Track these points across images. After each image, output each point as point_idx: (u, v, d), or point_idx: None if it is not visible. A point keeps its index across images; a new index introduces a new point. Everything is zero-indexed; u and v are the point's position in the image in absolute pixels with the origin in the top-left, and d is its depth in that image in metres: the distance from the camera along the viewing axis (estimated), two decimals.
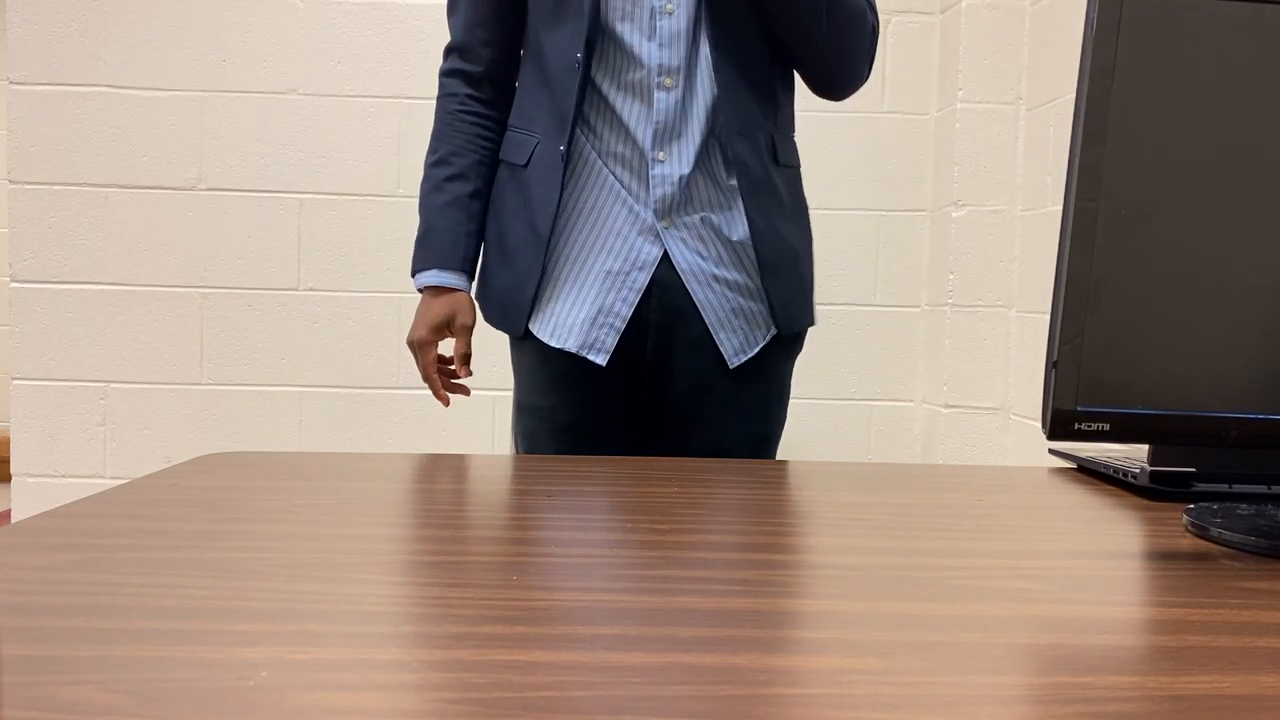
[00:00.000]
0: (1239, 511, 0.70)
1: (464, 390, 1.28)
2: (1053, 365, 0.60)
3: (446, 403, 1.24)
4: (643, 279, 1.14)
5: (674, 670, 0.40)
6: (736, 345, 1.16)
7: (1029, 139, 2.17)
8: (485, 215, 1.23)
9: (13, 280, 2.30)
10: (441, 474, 0.85)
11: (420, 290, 1.23)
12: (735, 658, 0.42)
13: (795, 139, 1.21)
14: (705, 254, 1.14)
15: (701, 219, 1.14)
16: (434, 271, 1.21)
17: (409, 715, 0.35)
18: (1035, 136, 2.14)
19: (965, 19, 2.20)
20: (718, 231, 1.14)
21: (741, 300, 1.16)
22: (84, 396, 2.32)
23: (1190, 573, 0.58)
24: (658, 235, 1.13)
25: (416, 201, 2.35)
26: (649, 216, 1.13)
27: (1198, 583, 0.56)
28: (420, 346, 1.22)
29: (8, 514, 2.92)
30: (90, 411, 2.33)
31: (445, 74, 1.24)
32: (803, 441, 2.41)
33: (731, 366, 1.16)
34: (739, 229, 1.15)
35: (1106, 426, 0.61)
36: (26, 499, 2.32)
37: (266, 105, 2.31)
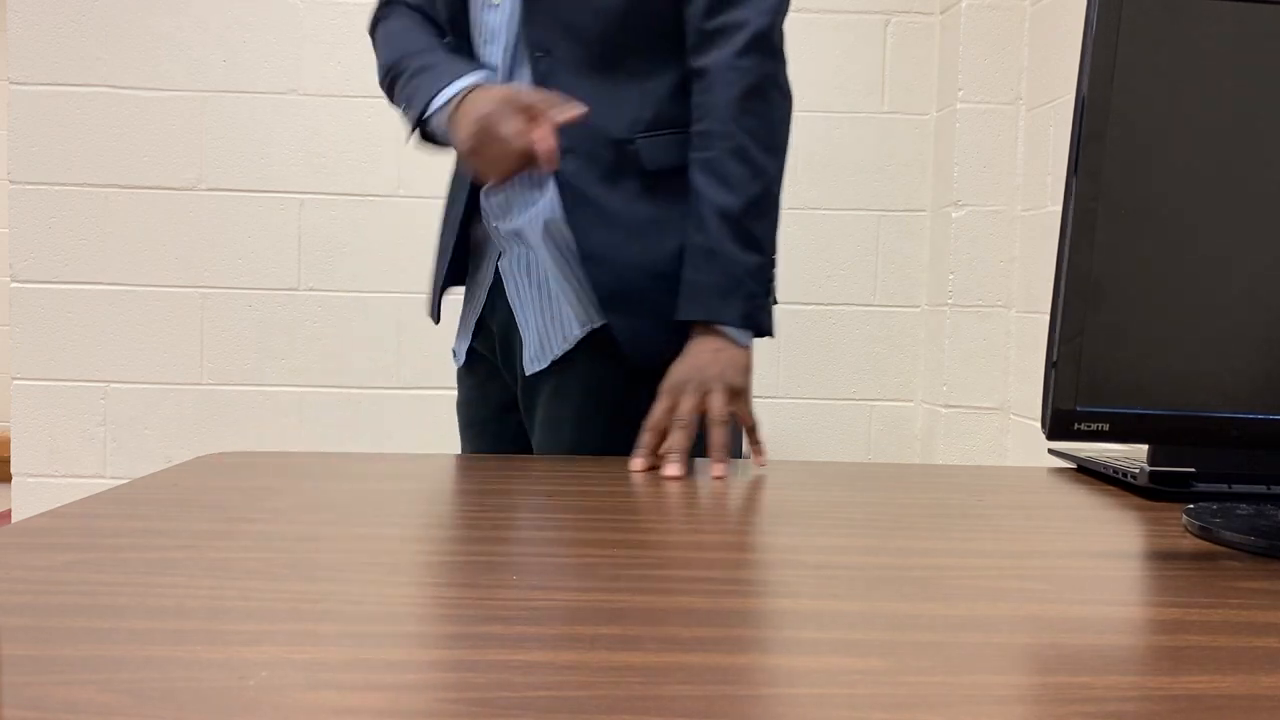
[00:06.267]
0: (1239, 511, 0.70)
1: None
2: (1053, 365, 0.60)
3: (554, 163, 0.94)
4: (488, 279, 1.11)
5: (674, 670, 0.40)
6: (532, 353, 1.06)
7: (1029, 139, 2.17)
8: None
9: (13, 280, 2.30)
10: (441, 474, 0.85)
11: (454, 99, 0.99)
12: (735, 658, 0.42)
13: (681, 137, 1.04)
14: (512, 254, 1.07)
15: (514, 224, 1.06)
16: (475, 75, 1.00)
17: (409, 715, 0.35)
18: (1035, 136, 2.14)
19: (965, 19, 2.20)
20: (527, 232, 1.05)
21: (543, 305, 1.05)
22: (84, 396, 2.32)
23: (1190, 573, 0.58)
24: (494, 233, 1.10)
25: (414, 201, 2.37)
26: (488, 216, 1.09)
27: (1198, 583, 0.56)
28: (500, 116, 0.94)
29: (8, 514, 2.92)
30: (90, 411, 2.33)
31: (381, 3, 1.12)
32: (803, 441, 2.41)
33: (528, 373, 1.05)
34: (538, 228, 1.04)
35: (1106, 426, 0.61)
36: (26, 499, 2.32)
37: (266, 105, 2.31)
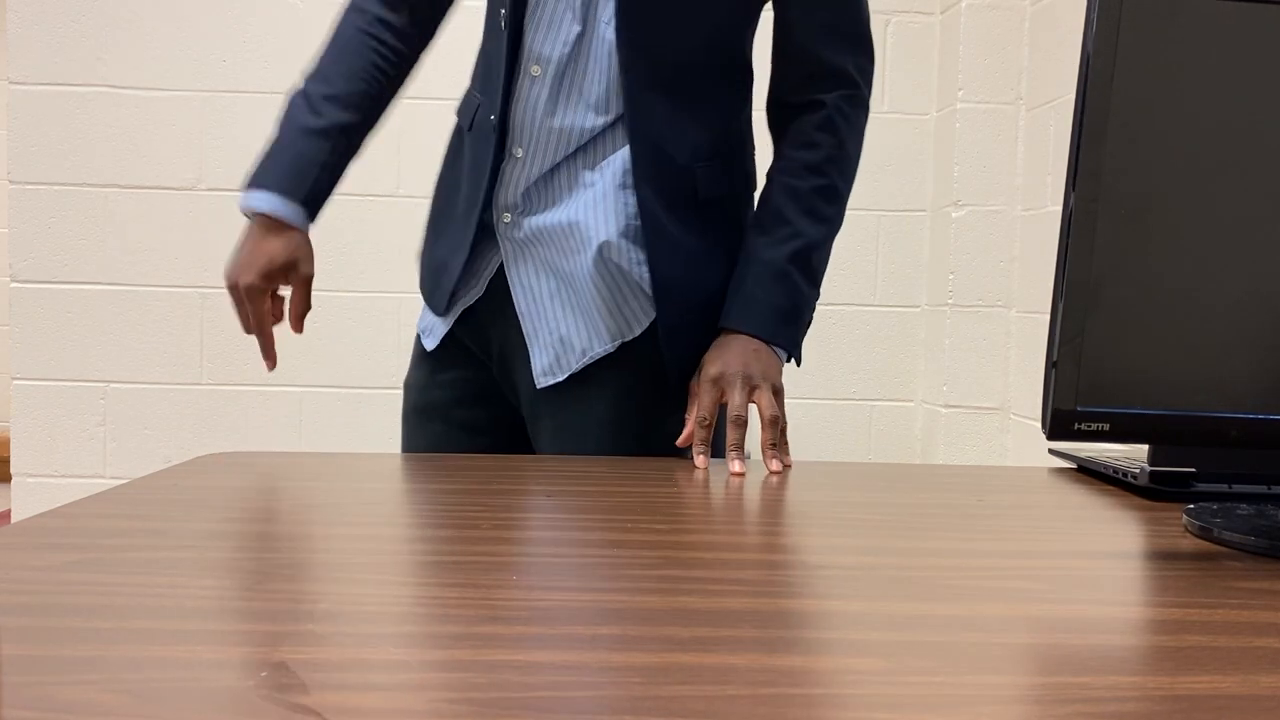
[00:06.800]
0: (1239, 511, 0.70)
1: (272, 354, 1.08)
2: (1053, 365, 0.60)
3: (274, 363, 1.07)
4: (484, 280, 1.07)
5: (674, 670, 0.40)
6: (545, 365, 1.02)
7: (1029, 139, 2.17)
8: (350, 155, 1.07)
9: (13, 280, 2.30)
10: (441, 474, 0.85)
11: (250, 214, 1.03)
12: (735, 658, 0.41)
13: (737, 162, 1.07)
14: (521, 257, 1.04)
15: (544, 222, 1.02)
16: (275, 197, 1.01)
17: (409, 715, 0.35)
18: (1035, 136, 2.14)
19: (965, 19, 2.20)
20: (558, 236, 1.01)
21: (561, 315, 1.02)
22: (84, 396, 2.32)
23: (1190, 573, 0.58)
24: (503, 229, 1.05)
25: (414, 201, 2.36)
26: (501, 210, 1.04)
27: (1198, 583, 0.56)
28: (250, 293, 1.02)
29: (8, 514, 2.92)
30: (90, 411, 2.33)
31: None
32: (803, 441, 2.41)
33: (538, 387, 1.03)
34: (579, 240, 1.00)
35: (1106, 426, 0.61)
36: (26, 499, 2.32)
37: (266, 105, 2.31)
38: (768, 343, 0.99)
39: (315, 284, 2.32)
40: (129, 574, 0.52)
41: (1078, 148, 0.59)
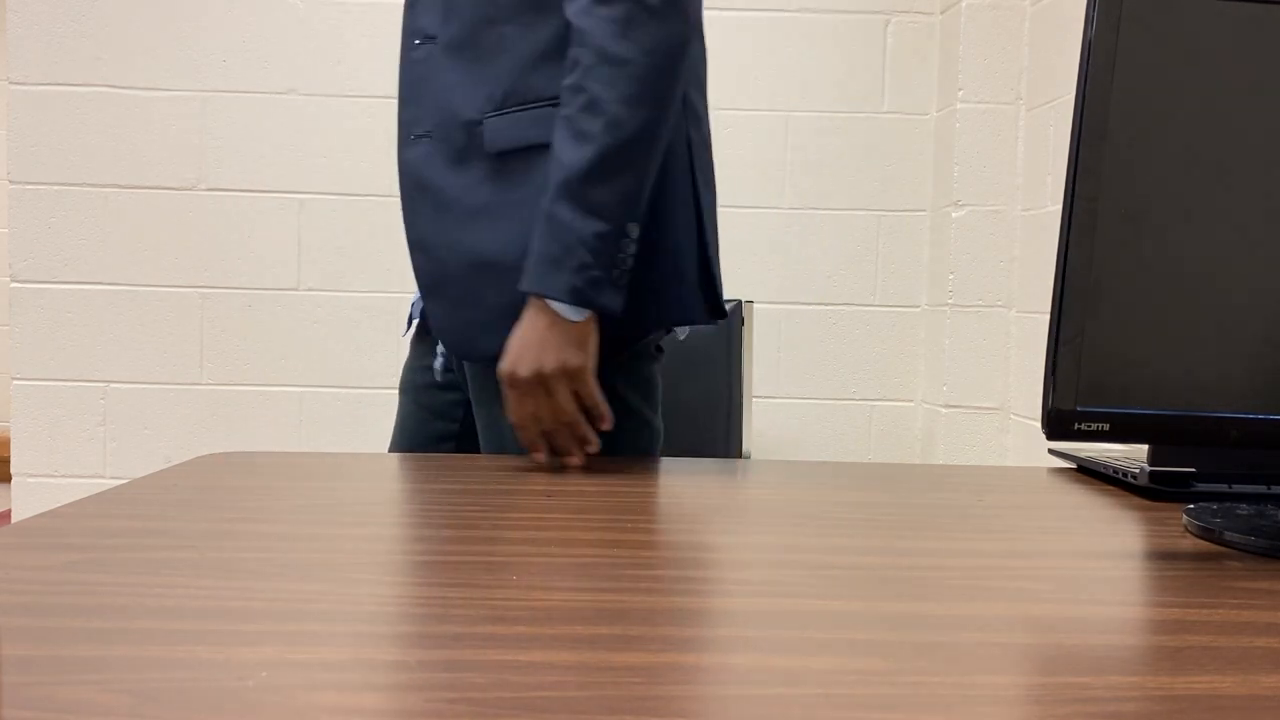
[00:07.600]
0: (1239, 511, 0.70)
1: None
2: (1053, 365, 0.60)
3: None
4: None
5: (674, 670, 0.40)
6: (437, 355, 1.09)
7: (1029, 139, 2.17)
8: None
9: (13, 280, 2.30)
10: (441, 474, 0.85)
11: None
12: (735, 658, 0.42)
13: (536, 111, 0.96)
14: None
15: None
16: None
17: (409, 715, 0.35)
18: (1035, 136, 2.14)
19: (965, 19, 2.20)
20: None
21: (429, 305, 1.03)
22: (84, 396, 2.32)
23: (1190, 573, 0.58)
24: None
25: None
26: None
27: (1198, 583, 0.56)
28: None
29: (8, 514, 2.92)
30: (90, 411, 2.33)
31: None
32: (803, 441, 2.41)
33: (439, 381, 1.10)
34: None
35: (1106, 426, 0.61)
36: (26, 499, 2.32)
37: (266, 105, 2.31)
38: (544, 297, 0.90)
39: (315, 284, 2.33)
40: (129, 574, 0.52)
41: (1078, 147, 0.59)
